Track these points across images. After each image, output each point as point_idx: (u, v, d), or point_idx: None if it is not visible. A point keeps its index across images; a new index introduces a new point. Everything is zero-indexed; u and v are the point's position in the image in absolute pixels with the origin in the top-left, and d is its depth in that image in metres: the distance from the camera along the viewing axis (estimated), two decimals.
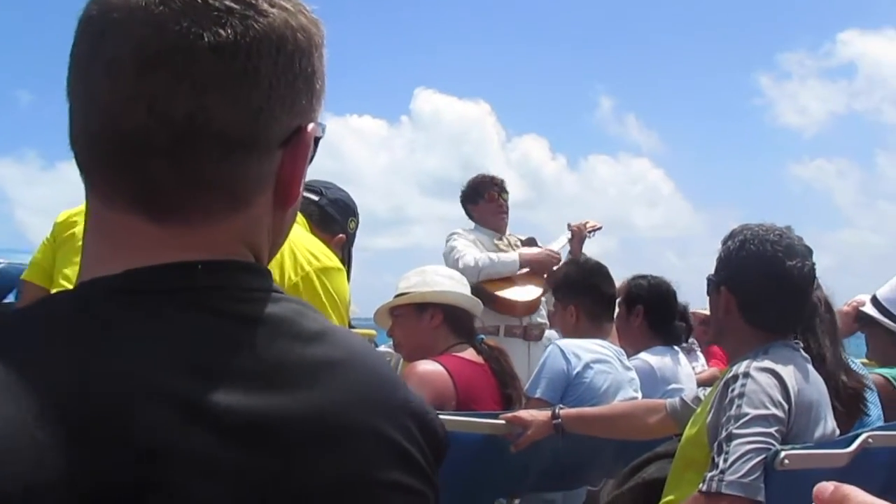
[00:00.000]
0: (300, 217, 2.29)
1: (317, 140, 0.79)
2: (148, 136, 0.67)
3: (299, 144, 0.74)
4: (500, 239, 4.43)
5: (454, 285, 2.74)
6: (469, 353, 2.65)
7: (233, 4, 0.69)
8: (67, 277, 2.10)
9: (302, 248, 2.09)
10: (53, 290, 2.20)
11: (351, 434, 0.72)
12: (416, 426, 0.78)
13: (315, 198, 2.44)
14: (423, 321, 2.68)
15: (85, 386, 0.60)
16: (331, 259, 2.15)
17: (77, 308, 0.67)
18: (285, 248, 2.02)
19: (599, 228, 4.49)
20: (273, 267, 2.04)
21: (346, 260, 2.47)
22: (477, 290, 4.11)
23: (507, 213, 4.51)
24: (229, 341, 0.68)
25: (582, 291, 3.31)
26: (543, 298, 4.32)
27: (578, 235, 4.43)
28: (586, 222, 4.51)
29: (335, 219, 2.46)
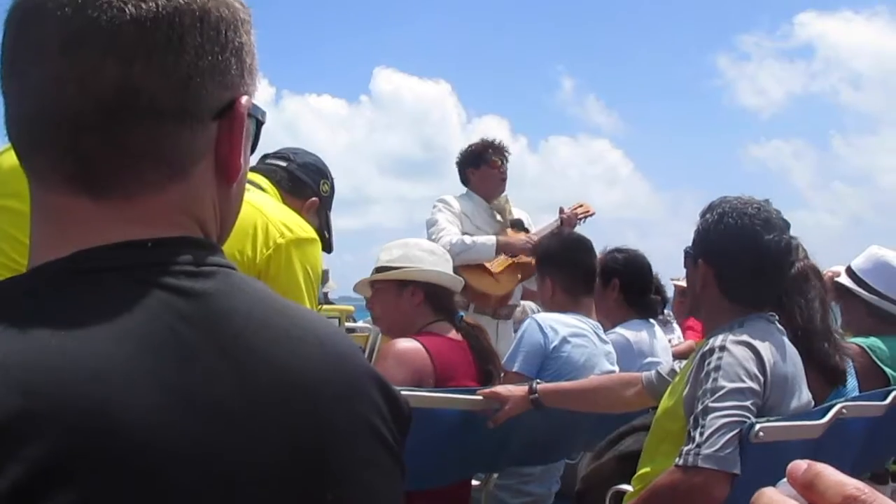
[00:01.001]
0: (270, 187, 2.27)
1: (259, 123, 0.81)
2: (79, 113, 0.68)
3: (234, 117, 0.75)
4: (496, 207, 4.31)
5: (436, 262, 2.70)
6: (448, 330, 2.63)
7: None
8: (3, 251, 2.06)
9: (275, 220, 2.04)
10: None
11: (317, 410, 0.72)
12: (383, 401, 0.79)
13: (283, 163, 2.38)
14: (403, 298, 2.64)
15: (35, 370, 0.60)
16: (304, 230, 2.10)
17: (26, 292, 0.67)
18: (258, 220, 2.01)
19: (592, 214, 4.37)
20: (245, 240, 2.00)
21: (325, 224, 2.44)
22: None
23: (505, 179, 4.39)
24: (182, 317, 0.67)
25: (559, 265, 3.29)
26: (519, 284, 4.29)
27: (569, 223, 4.29)
28: (578, 206, 4.40)
29: (306, 182, 2.38)
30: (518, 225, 4.37)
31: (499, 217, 4.28)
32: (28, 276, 0.69)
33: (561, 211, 4.34)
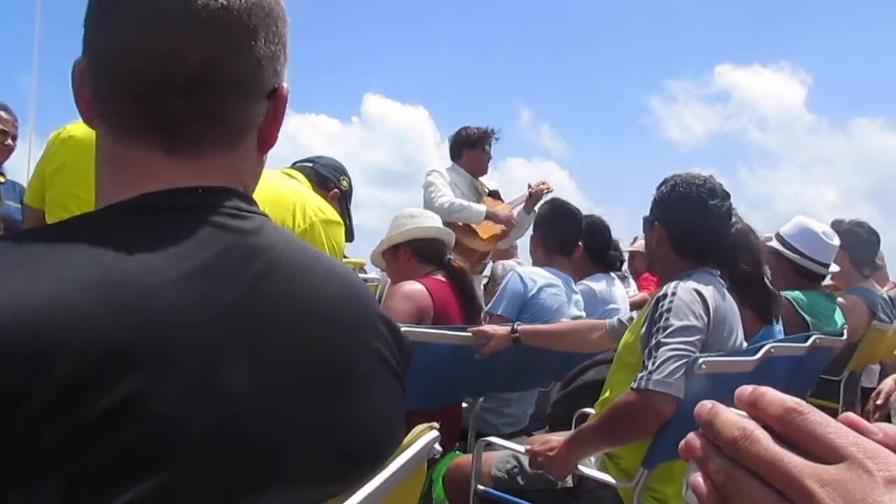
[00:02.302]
0: (304, 179, 2.50)
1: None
2: (171, 78, 0.70)
3: (278, 99, 0.79)
4: (477, 183, 4.50)
5: (416, 222, 2.83)
6: (441, 276, 2.74)
7: None
8: (67, 208, 2.15)
9: (311, 202, 2.23)
10: (50, 219, 2.23)
11: (334, 334, 0.75)
12: (389, 333, 0.82)
13: (310, 164, 2.62)
14: (400, 258, 2.81)
15: (111, 273, 0.62)
16: (333, 214, 2.30)
17: (101, 222, 0.69)
18: (297, 200, 2.18)
19: (551, 190, 4.55)
20: (286, 213, 2.26)
21: (347, 214, 2.61)
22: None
23: (489, 161, 4.59)
24: (227, 247, 0.69)
25: (545, 227, 3.34)
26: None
27: (536, 196, 4.49)
28: (541, 183, 4.56)
29: (328, 177, 2.60)
30: (495, 194, 4.57)
31: (479, 190, 4.47)
32: (102, 211, 0.71)
33: (529, 186, 4.55)
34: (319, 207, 2.25)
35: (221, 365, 0.63)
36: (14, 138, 3.61)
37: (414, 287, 2.62)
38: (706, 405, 0.44)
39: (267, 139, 0.80)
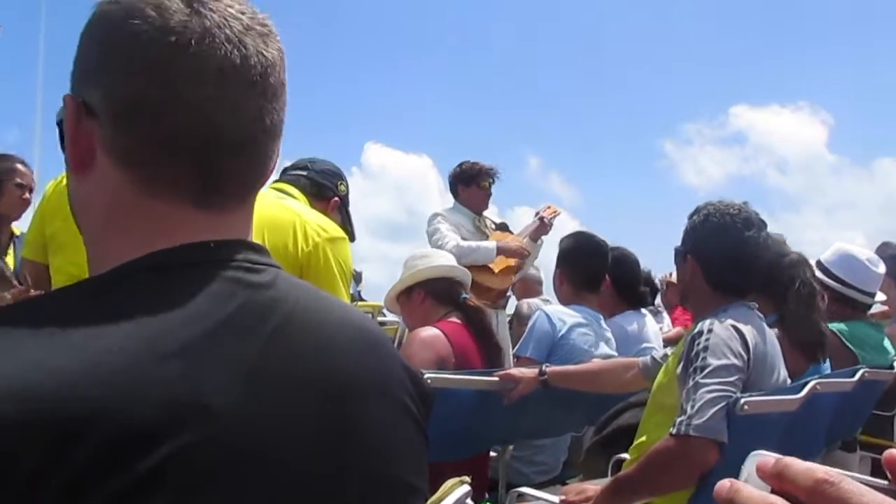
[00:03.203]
0: (299, 194, 2.35)
1: None
2: (228, 137, 0.71)
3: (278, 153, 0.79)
4: (480, 220, 4.44)
5: (428, 262, 2.80)
6: (457, 318, 2.70)
7: (266, 27, 0.74)
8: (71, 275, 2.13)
9: (311, 222, 2.11)
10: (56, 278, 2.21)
11: (354, 385, 0.75)
12: (410, 382, 0.82)
13: (304, 172, 2.46)
14: (414, 301, 2.77)
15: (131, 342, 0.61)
16: (336, 230, 2.18)
17: (115, 283, 0.69)
18: (297, 221, 2.09)
19: (559, 214, 4.51)
20: (287, 238, 2.12)
21: (347, 219, 2.51)
22: None
23: (489, 197, 4.52)
24: (242, 304, 0.70)
25: (569, 261, 3.29)
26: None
27: (545, 225, 4.42)
28: (547, 208, 4.50)
29: (326, 185, 2.46)
30: (503, 227, 4.51)
31: (482, 229, 4.40)
32: (112, 274, 0.70)
33: (536, 213, 4.47)
34: (321, 226, 2.14)
35: (243, 429, 0.64)
36: (31, 191, 3.64)
37: (431, 333, 2.58)
38: (725, 485, 0.43)
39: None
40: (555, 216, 4.47)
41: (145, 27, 0.69)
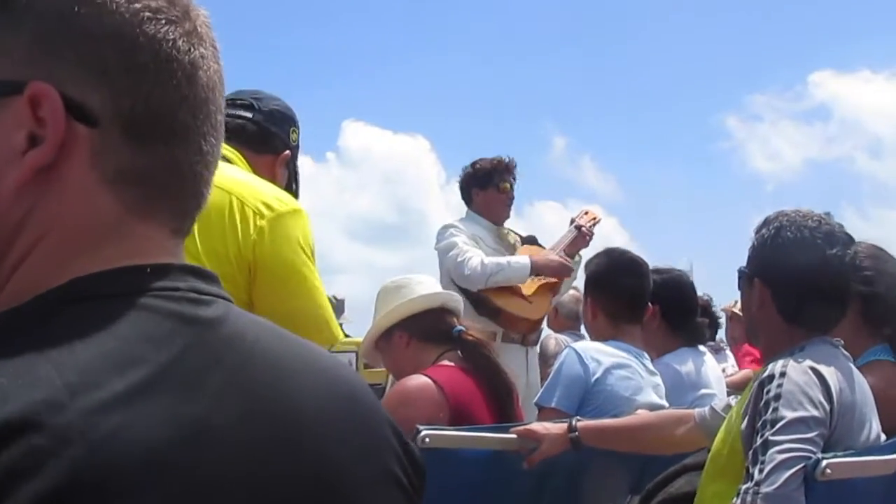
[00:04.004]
0: (235, 154, 2.21)
1: None
2: (209, 166, 0.81)
3: None
4: (502, 233, 4.46)
5: (404, 294, 2.79)
6: (452, 360, 2.70)
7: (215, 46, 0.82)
8: None
9: (250, 199, 2.02)
10: None
11: (328, 451, 0.76)
12: (400, 447, 0.83)
13: (248, 114, 2.31)
14: (395, 347, 2.77)
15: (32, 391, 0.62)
16: (285, 203, 2.10)
17: (33, 315, 0.71)
18: (232, 204, 1.97)
19: (599, 221, 4.52)
20: (222, 232, 2.03)
21: (294, 175, 2.44)
22: (479, 299, 4.13)
23: (512, 203, 4.56)
24: (187, 344, 0.71)
25: (601, 286, 3.31)
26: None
27: (583, 234, 4.42)
28: (584, 213, 4.52)
29: (275, 134, 2.34)
30: (531, 241, 4.54)
31: (507, 243, 4.43)
32: (32, 304, 0.72)
33: (571, 221, 4.47)
34: (264, 202, 2.03)
35: (183, 498, 0.65)
36: None
37: (414, 384, 2.56)
38: None
39: None
40: (594, 224, 4.47)
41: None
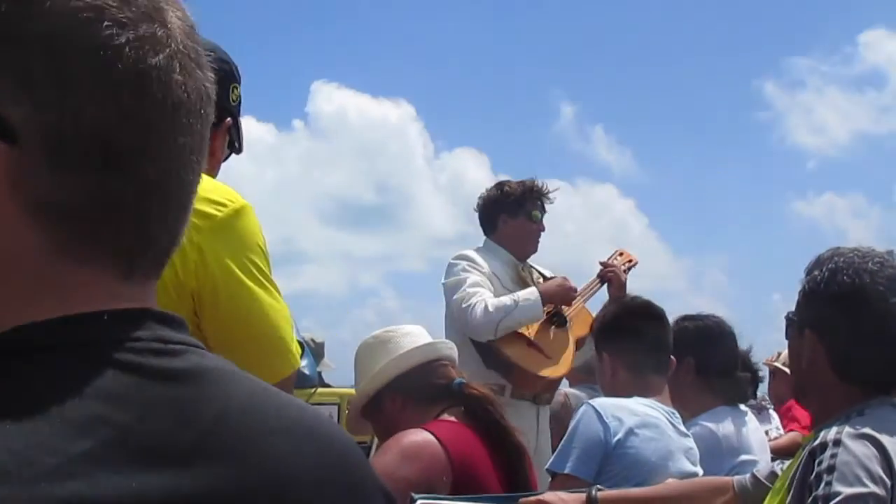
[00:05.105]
0: None
1: None
2: (170, 200, 0.80)
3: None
4: (524, 269, 4.41)
5: (391, 349, 2.78)
6: (454, 415, 2.70)
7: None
8: None
9: None
10: None
11: None
12: None
13: None
14: (387, 413, 2.76)
15: None
16: (225, 202, 2.05)
17: None
18: None
19: (635, 264, 4.50)
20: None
21: (236, 133, 2.39)
22: (488, 349, 4.07)
23: (541, 235, 4.50)
24: (149, 403, 0.70)
25: (619, 336, 3.31)
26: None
27: (618, 282, 4.38)
28: (619, 254, 4.51)
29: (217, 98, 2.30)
30: None
31: (527, 282, 4.37)
32: None
33: (602, 268, 4.45)
34: (197, 210, 1.91)
35: None
36: None
37: (416, 439, 2.54)
38: None
39: None
40: (631, 267, 4.46)
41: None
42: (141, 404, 0.69)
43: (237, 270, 2.00)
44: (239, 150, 2.36)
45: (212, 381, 0.75)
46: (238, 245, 2.02)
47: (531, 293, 4.15)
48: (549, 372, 4.20)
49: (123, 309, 0.75)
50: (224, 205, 2.02)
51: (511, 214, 4.42)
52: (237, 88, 2.36)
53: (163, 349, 0.74)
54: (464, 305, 4.09)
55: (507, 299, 4.11)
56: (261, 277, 2.05)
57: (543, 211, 4.47)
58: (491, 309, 4.04)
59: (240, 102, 2.38)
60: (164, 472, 0.67)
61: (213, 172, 2.21)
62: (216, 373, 0.76)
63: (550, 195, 4.49)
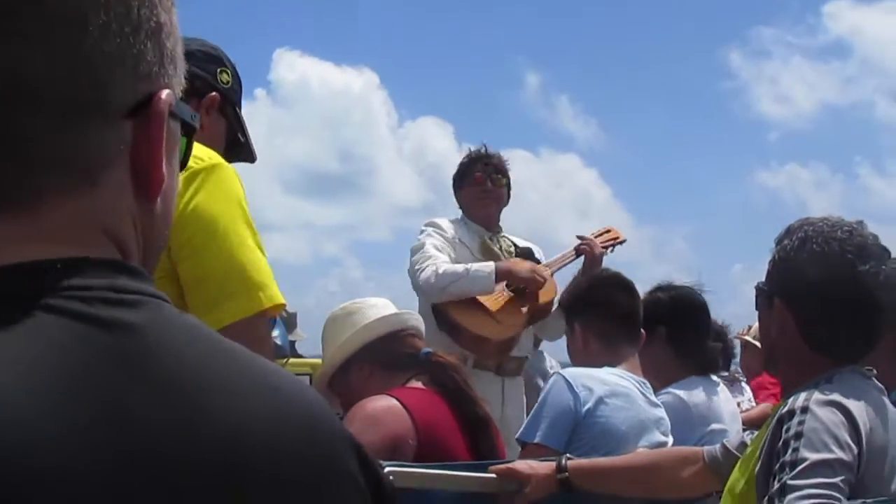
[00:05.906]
0: None
1: (188, 126, 0.86)
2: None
3: (151, 115, 0.77)
4: (492, 239, 4.42)
5: (357, 319, 2.82)
6: (421, 382, 2.74)
7: None
8: None
9: None
10: None
11: (276, 482, 0.72)
12: (362, 475, 0.79)
13: None
14: (354, 382, 2.79)
15: None
16: (206, 156, 2.07)
17: None
18: None
19: (622, 242, 4.50)
20: None
21: (238, 125, 2.44)
22: (440, 313, 4.10)
23: (497, 200, 4.52)
24: (100, 353, 0.68)
25: (588, 307, 3.33)
26: (531, 328, 4.38)
27: (592, 256, 4.38)
28: (604, 231, 4.51)
29: (195, 74, 2.25)
30: (527, 254, 4.48)
31: (494, 252, 4.39)
32: None
33: (579, 239, 4.46)
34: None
35: None
36: None
37: (380, 404, 2.57)
38: None
39: (147, 180, 0.79)
40: (615, 244, 4.46)
41: None
42: (90, 355, 0.67)
43: (210, 209, 2.01)
44: (252, 158, 2.40)
45: (165, 332, 0.72)
46: (213, 189, 2.03)
47: (486, 266, 4.15)
48: (493, 334, 4.20)
49: (77, 257, 0.72)
50: (203, 159, 2.04)
51: (462, 185, 4.52)
52: (227, 73, 2.39)
53: (115, 299, 0.71)
54: (416, 267, 4.16)
55: (459, 267, 4.14)
56: (237, 221, 2.06)
57: (493, 174, 4.48)
58: (440, 272, 4.09)
59: (233, 88, 2.42)
60: (114, 427, 0.66)
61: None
62: (178, 325, 0.74)
63: (495, 159, 4.52)
